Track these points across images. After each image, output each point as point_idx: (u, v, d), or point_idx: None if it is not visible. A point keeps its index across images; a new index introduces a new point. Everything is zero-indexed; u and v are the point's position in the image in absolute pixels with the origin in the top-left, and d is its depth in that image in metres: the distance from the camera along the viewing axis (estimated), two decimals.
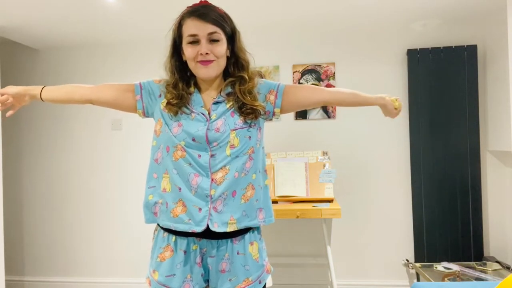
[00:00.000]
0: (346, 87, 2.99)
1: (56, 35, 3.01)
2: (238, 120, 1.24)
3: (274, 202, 2.60)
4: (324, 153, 2.79)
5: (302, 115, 3.03)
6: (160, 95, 1.31)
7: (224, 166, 1.22)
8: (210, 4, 1.26)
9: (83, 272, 3.29)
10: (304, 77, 3.03)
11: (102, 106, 1.39)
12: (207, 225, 1.20)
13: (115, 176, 3.25)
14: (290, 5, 2.54)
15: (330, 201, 2.57)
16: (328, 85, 3.01)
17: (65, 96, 1.38)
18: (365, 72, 2.99)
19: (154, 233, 1.36)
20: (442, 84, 2.84)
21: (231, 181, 1.22)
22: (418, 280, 2.76)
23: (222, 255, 1.24)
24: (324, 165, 2.73)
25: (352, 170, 3.00)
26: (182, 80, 1.28)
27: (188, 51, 1.22)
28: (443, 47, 2.85)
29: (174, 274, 1.23)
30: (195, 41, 1.21)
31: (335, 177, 2.67)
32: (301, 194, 2.62)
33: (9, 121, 3.35)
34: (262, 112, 1.29)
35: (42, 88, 1.39)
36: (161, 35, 3.43)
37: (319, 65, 3.02)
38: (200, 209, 1.20)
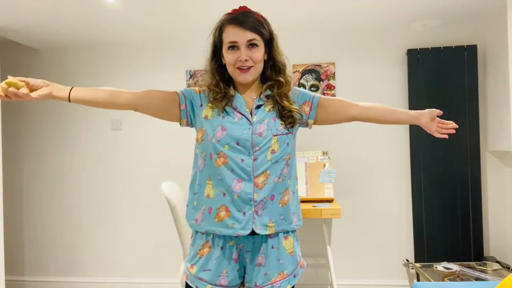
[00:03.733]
0: (346, 87, 3.01)
1: (56, 35, 3.01)
2: (279, 126, 1.30)
3: None
4: (324, 153, 2.79)
5: None
6: (201, 105, 1.34)
7: (265, 170, 1.26)
8: (249, 10, 1.32)
9: (83, 272, 3.29)
10: (304, 77, 3.03)
11: (145, 113, 1.37)
12: (252, 228, 1.26)
13: (115, 176, 3.25)
14: (290, 6, 2.54)
15: (330, 201, 2.57)
16: (328, 85, 3.01)
17: (105, 99, 1.31)
18: (365, 72, 2.99)
19: (192, 232, 1.41)
20: (442, 84, 2.84)
21: (272, 186, 1.27)
22: (418, 280, 2.76)
23: (258, 249, 1.30)
24: (324, 165, 2.73)
25: (352, 170, 3.00)
26: (223, 81, 1.34)
27: (229, 57, 1.28)
28: (443, 47, 2.85)
29: (210, 269, 1.29)
30: (235, 47, 1.27)
31: (335, 177, 2.67)
32: (301, 194, 2.61)
33: (9, 121, 3.34)
34: (298, 117, 1.34)
35: (71, 89, 1.29)
36: (160, 35, 3.44)
37: (319, 65, 3.02)
38: (244, 213, 1.25)
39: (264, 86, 1.34)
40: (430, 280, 2.42)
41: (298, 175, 2.68)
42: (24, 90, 1.22)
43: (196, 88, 1.38)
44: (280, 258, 1.30)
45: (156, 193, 3.15)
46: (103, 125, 3.27)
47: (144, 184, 3.20)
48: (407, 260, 2.93)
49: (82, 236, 3.29)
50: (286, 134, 1.31)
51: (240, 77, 1.29)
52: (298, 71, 3.04)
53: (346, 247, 3.01)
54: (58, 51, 3.32)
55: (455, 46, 2.83)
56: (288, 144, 1.31)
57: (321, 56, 3.03)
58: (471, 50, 2.81)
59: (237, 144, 1.26)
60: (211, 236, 1.30)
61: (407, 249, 2.94)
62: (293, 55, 3.02)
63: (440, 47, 2.85)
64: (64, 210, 3.32)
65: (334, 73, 3.01)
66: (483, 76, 2.85)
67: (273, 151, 1.27)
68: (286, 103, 1.31)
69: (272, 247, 1.29)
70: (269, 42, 1.33)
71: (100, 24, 2.80)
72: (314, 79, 3.02)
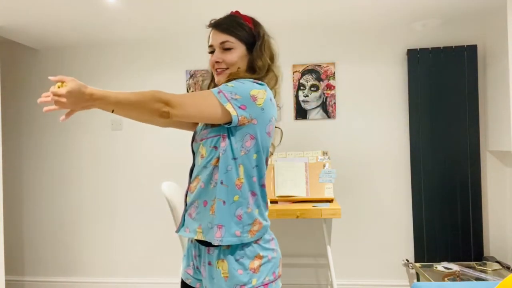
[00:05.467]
0: (346, 87, 3.02)
1: (56, 35, 3.01)
2: (204, 130, 1.25)
3: (274, 202, 2.60)
4: (324, 153, 2.79)
5: (302, 115, 3.03)
6: None
7: (197, 175, 1.24)
8: (235, 14, 1.31)
9: (83, 272, 3.29)
10: (304, 77, 3.03)
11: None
12: (180, 228, 1.30)
13: (115, 176, 3.25)
14: (290, 5, 2.55)
15: (330, 201, 2.58)
16: (328, 85, 3.01)
17: None
18: (365, 72, 2.99)
19: None
20: (442, 84, 2.84)
21: (199, 191, 1.22)
22: (418, 280, 2.76)
23: (201, 259, 1.27)
24: (324, 165, 2.73)
25: (352, 170, 3.00)
26: (213, 85, 1.37)
27: (209, 61, 1.30)
28: (443, 47, 2.85)
29: (187, 256, 1.36)
30: (212, 51, 1.28)
31: (335, 177, 2.67)
32: (301, 194, 2.62)
33: (9, 121, 3.35)
34: None
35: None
36: (160, 34, 3.44)
37: (319, 65, 3.02)
38: (184, 212, 1.31)
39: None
40: (430, 280, 2.42)
41: (298, 175, 2.70)
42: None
43: None
44: (215, 277, 1.20)
45: (156, 193, 3.16)
46: (103, 125, 3.27)
47: (144, 184, 3.20)
48: (407, 260, 2.93)
49: (82, 236, 3.29)
50: (212, 137, 1.20)
51: (216, 78, 1.31)
52: (298, 71, 3.04)
53: (346, 247, 3.01)
54: (58, 51, 3.32)
55: (455, 46, 2.83)
56: (216, 147, 1.19)
57: (321, 56, 3.03)
58: (471, 50, 2.81)
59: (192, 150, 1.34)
60: None
61: (407, 249, 2.94)
62: (293, 55, 3.06)
63: (440, 47, 2.85)
64: (64, 210, 3.32)
65: (334, 73, 3.01)
66: (483, 76, 2.85)
67: (202, 156, 1.23)
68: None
69: (209, 264, 1.22)
70: (253, 44, 1.27)
71: (100, 24, 2.80)
72: (314, 79, 3.02)
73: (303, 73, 3.03)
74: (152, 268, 3.20)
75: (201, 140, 1.24)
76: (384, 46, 2.97)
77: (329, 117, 3.02)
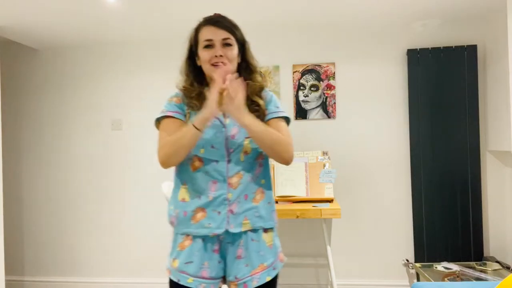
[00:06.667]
0: (346, 87, 3.02)
1: (56, 35, 3.01)
2: None
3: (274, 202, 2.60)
4: (324, 153, 2.79)
5: (302, 115, 3.03)
6: (185, 115, 1.39)
7: (239, 171, 1.32)
8: (224, 15, 1.38)
9: (83, 272, 3.29)
10: (304, 77, 3.03)
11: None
12: (225, 227, 1.31)
13: (115, 176, 3.25)
14: (291, 5, 2.55)
15: (330, 201, 2.58)
16: (328, 85, 3.01)
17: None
18: (365, 72, 2.99)
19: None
20: (442, 84, 2.84)
21: (245, 185, 1.32)
22: (418, 280, 2.76)
23: (238, 242, 1.33)
24: (324, 165, 2.73)
25: (352, 170, 3.00)
26: (197, 81, 1.38)
27: (204, 55, 1.33)
28: (443, 47, 2.85)
29: (192, 261, 1.32)
30: (210, 46, 1.32)
31: (335, 177, 2.67)
32: (301, 194, 2.62)
33: (9, 121, 3.35)
34: (265, 114, 1.37)
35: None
36: (160, 35, 3.44)
37: (319, 65, 3.02)
38: (219, 212, 1.30)
39: None
40: (430, 280, 2.42)
41: (298, 175, 2.70)
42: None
43: (174, 99, 1.40)
44: (260, 250, 1.33)
45: (156, 193, 3.15)
46: (103, 125, 3.27)
47: (144, 184, 3.20)
48: (407, 260, 2.93)
49: (82, 236, 3.29)
50: None
51: (215, 72, 1.31)
52: (298, 71, 3.04)
53: (346, 247, 3.01)
54: (58, 51, 3.32)
55: (455, 46, 2.83)
56: None
57: (321, 56, 3.03)
58: (471, 50, 2.81)
59: (212, 147, 1.30)
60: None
61: (407, 249, 2.94)
62: (293, 55, 3.06)
63: (440, 47, 2.85)
64: (64, 210, 3.32)
65: (334, 73, 3.01)
66: (483, 76, 2.85)
67: (246, 153, 1.32)
68: (256, 97, 1.36)
69: (252, 240, 1.33)
70: (243, 45, 1.39)
71: (100, 24, 2.80)
72: (314, 79, 3.02)
73: (303, 73, 3.03)
74: (151, 268, 3.20)
75: (248, 137, 1.31)
76: (384, 46, 2.97)
77: (329, 117, 3.01)
